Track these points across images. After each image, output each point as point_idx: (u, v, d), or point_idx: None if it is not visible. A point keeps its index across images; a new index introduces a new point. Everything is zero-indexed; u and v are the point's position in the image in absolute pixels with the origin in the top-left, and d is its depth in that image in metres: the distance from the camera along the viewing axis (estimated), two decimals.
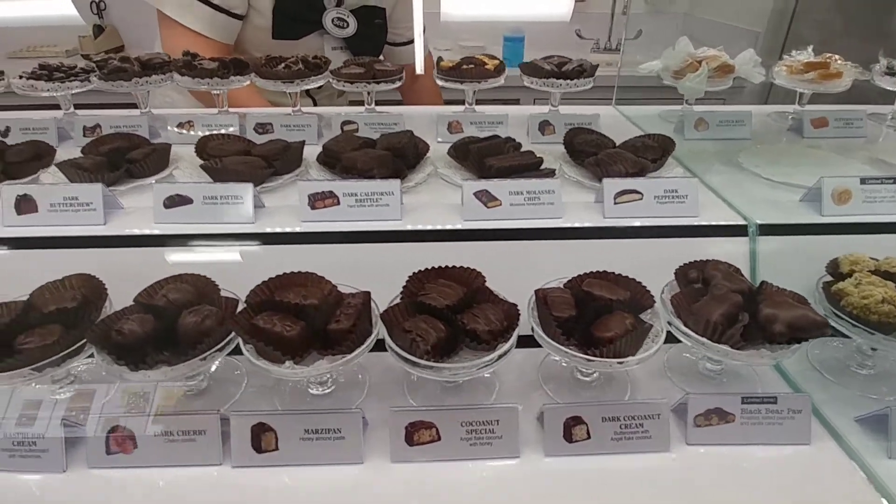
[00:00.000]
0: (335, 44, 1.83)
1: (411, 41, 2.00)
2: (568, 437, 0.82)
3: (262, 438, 0.80)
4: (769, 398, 0.84)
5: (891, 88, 1.56)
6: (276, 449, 0.80)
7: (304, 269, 0.94)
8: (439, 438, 0.81)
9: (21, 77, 1.43)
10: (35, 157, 1.22)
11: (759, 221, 1.06)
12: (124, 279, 0.92)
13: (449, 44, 3.70)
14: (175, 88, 1.84)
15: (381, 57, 1.87)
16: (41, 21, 3.68)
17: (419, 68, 1.98)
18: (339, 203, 1.05)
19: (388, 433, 0.81)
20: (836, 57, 1.56)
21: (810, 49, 1.58)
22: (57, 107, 1.52)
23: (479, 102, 1.58)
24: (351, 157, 1.13)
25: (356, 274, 0.94)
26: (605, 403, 0.82)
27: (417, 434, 0.81)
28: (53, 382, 0.89)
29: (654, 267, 0.98)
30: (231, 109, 1.55)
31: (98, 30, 3.66)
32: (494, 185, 1.06)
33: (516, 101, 2.90)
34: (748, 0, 3.29)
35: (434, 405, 0.83)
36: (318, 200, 1.04)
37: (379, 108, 1.59)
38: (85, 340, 0.83)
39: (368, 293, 0.88)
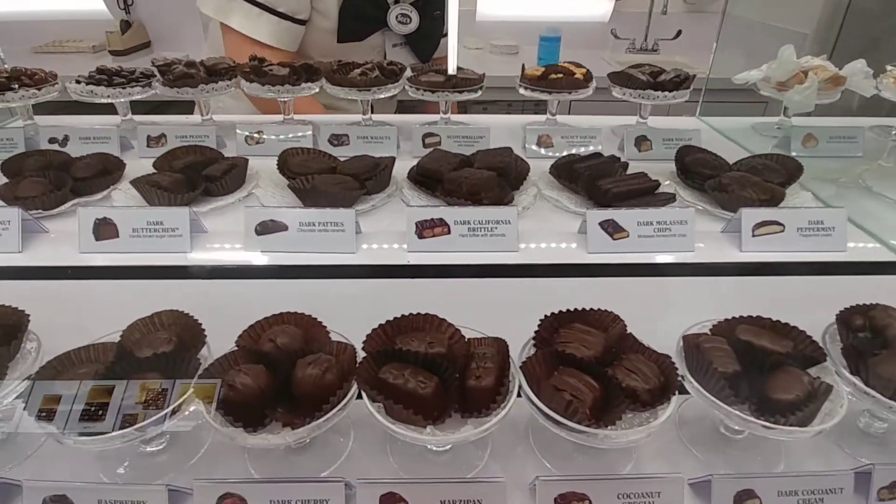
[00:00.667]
0: (396, 41, 1.74)
1: (445, 33, 1.89)
2: None
3: None
4: None
5: None
6: None
7: (411, 304, 0.85)
8: None
9: (79, 82, 1.34)
10: (104, 171, 1.13)
11: None
12: (213, 313, 0.83)
13: (480, 42, 3.60)
14: (230, 94, 1.75)
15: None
16: (67, 16, 3.63)
17: (451, 66, 1.88)
18: (449, 232, 0.94)
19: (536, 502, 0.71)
20: None
21: None
22: (105, 107, 1.42)
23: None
24: (455, 179, 1.03)
25: (469, 312, 0.84)
26: (784, 476, 0.72)
27: None
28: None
29: (799, 309, 0.88)
30: (296, 117, 1.46)
31: (125, 25, 3.59)
32: (621, 215, 0.95)
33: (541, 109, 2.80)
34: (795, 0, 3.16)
35: (578, 473, 0.73)
36: (427, 228, 0.94)
37: (454, 118, 1.48)
38: (187, 395, 0.74)
39: (504, 342, 0.78)
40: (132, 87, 1.36)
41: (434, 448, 0.82)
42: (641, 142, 1.35)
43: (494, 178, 1.05)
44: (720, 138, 1.52)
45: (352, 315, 0.81)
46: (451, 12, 1.83)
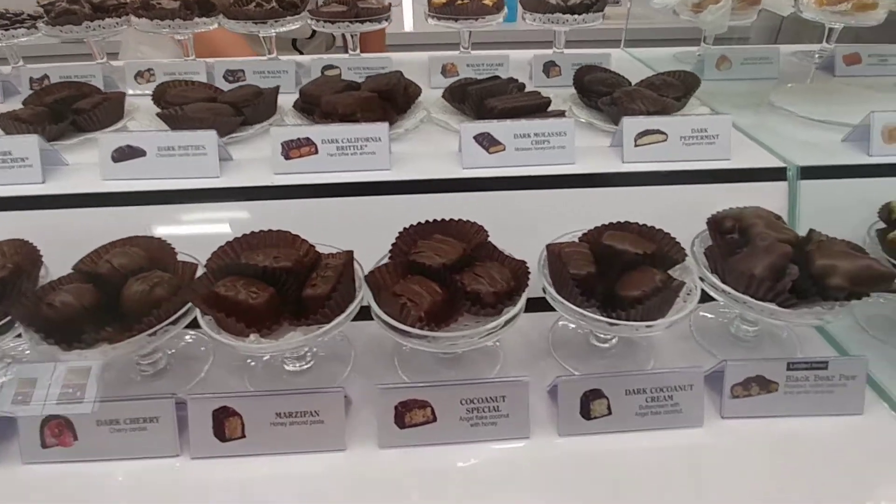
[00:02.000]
0: None
1: None
2: (586, 413, 0.70)
3: (225, 425, 0.68)
4: (819, 363, 0.72)
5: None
6: (243, 436, 0.68)
7: (278, 227, 0.80)
8: (435, 419, 0.69)
9: None
10: None
11: (799, 164, 0.93)
12: (67, 245, 0.78)
13: None
14: (150, 42, 1.67)
15: None
16: None
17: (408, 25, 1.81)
18: (317, 152, 0.90)
19: (376, 415, 0.69)
20: None
21: None
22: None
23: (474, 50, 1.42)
24: (331, 101, 0.98)
25: (339, 232, 0.81)
26: (630, 374, 0.70)
27: (409, 415, 0.69)
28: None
29: (681, 216, 0.84)
30: (210, 60, 1.39)
31: None
32: (497, 127, 0.91)
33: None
34: None
35: (429, 381, 0.70)
36: (294, 149, 0.90)
37: (365, 54, 1.43)
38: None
39: (351, 253, 0.75)
40: (16, 28, 1.29)
41: (290, 368, 0.79)
42: (550, 67, 1.31)
43: (374, 100, 1.00)
44: (640, 67, 1.47)
45: (217, 241, 0.77)
46: None
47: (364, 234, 0.79)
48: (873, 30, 1.43)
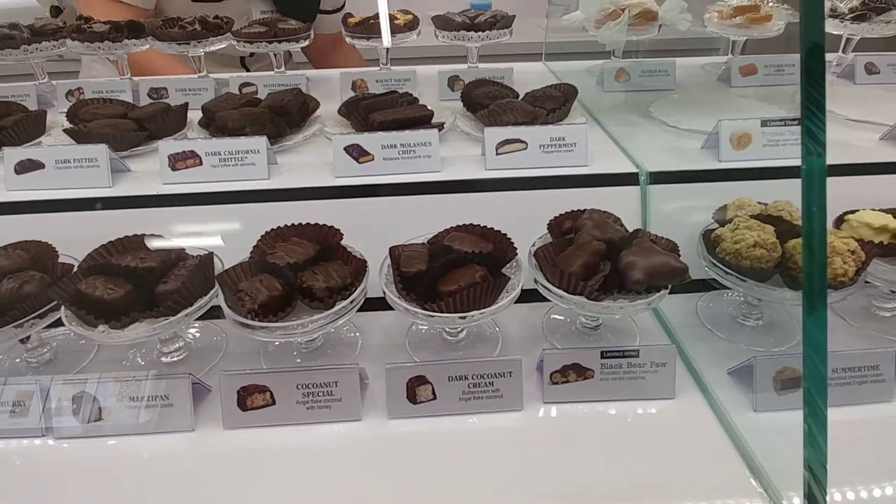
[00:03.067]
0: (264, 7, 1.74)
1: (341, 8, 1.90)
2: (412, 397, 0.77)
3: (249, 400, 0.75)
4: (631, 352, 0.78)
5: (835, 32, 1.47)
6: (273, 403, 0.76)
7: (165, 232, 0.89)
8: (273, 402, 0.76)
9: None
10: None
11: (649, 169, 1.00)
12: None
13: (415, 10, 3.59)
14: (102, 61, 1.77)
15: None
16: None
17: (385, 41, 1.90)
18: (201, 163, 0.99)
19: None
20: (770, 0, 1.47)
21: None
22: None
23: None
24: (223, 116, 1.07)
25: (216, 237, 0.88)
26: (450, 362, 0.77)
27: (251, 399, 0.76)
28: None
29: (537, 220, 0.92)
30: (140, 79, 1.48)
31: (56, 11, 3.57)
32: (366, 139, 0.99)
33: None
34: None
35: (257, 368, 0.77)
36: (179, 161, 0.98)
37: (290, 73, 1.51)
38: None
39: (211, 254, 0.83)
40: None
41: (165, 360, 0.87)
42: (454, 82, 1.39)
43: (265, 114, 1.08)
44: (553, 80, 1.55)
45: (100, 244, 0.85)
46: None
47: (242, 240, 0.87)
48: (782, 42, 1.50)
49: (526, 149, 1.01)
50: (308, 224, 0.88)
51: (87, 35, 1.34)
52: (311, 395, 0.77)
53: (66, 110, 1.30)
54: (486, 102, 1.16)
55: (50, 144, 1.05)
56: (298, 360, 0.87)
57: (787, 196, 0.94)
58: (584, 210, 0.90)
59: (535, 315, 0.95)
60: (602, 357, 0.78)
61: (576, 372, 0.79)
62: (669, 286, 0.77)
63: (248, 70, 1.89)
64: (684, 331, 0.91)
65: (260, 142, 0.99)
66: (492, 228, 0.88)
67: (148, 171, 1.04)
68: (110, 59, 1.42)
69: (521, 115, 1.07)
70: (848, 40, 1.51)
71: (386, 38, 1.39)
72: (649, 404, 0.80)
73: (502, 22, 1.39)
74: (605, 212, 0.90)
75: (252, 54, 1.82)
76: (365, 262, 0.82)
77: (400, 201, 0.99)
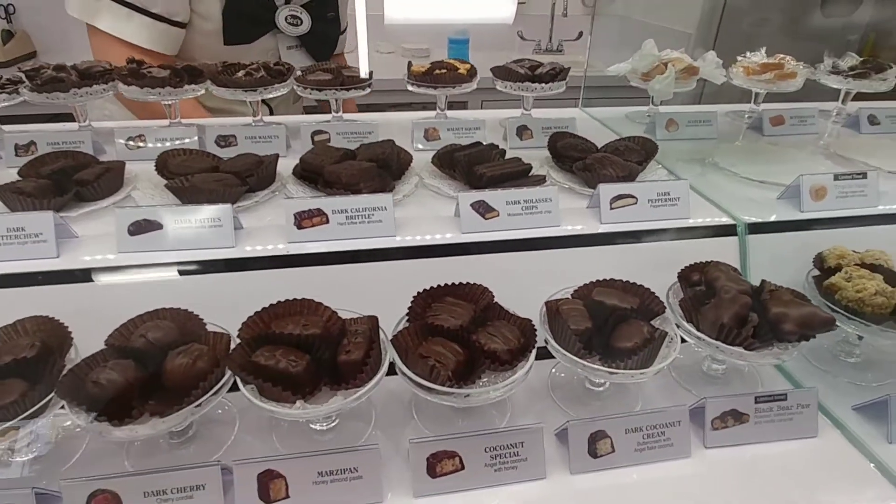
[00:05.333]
0: (290, 43, 1.73)
1: (345, 30, 1.93)
2: (593, 452, 0.80)
3: (270, 487, 0.72)
4: (779, 396, 0.85)
5: (836, 87, 1.66)
6: (287, 497, 0.73)
7: (293, 294, 0.86)
8: (463, 467, 0.77)
9: None
10: None
11: (746, 220, 1.09)
12: (87, 318, 0.81)
13: (391, 47, 3.64)
14: (112, 100, 1.69)
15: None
16: None
17: (364, 71, 1.92)
18: (328, 221, 0.98)
19: (410, 466, 0.76)
20: (788, 58, 1.64)
21: (763, 51, 1.65)
22: None
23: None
24: (334, 171, 1.06)
25: (350, 296, 0.88)
26: (629, 415, 0.81)
27: (440, 465, 0.76)
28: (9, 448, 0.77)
29: (652, 270, 0.97)
30: (184, 121, 1.43)
31: (7, 35, 3.33)
32: (491, 196, 1.02)
33: (464, 104, 2.90)
34: (679, 3, 3.42)
35: (452, 433, 0.78)
36: (306, 219, 0.97)
37: (346, 116, 1.51)
38: (49, 396, 0.72)
39: (375, 318, 0.82)
40: None
41: (317, 427, 0.84)
42: (523, 131, 1.44)
43: (373, 169, 1.09)
44: (598, 126, 1.64)
45: (234, 308, 0.82)
46: (360, 17, 1.85)
47: (375, 298, 0.87)
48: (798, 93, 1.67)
49: (636, 203, 1.07)
50: (460, 283, 0.89)
51: (148, 80, 1.29)
52: (498, 456, 0.77)
53: (129, 158, 1.24)
54: (576, 155, 1.22)
55: (162, 204, 1.00)
56: (462, 423, 0.87)
57: (867, 243, 1.06)
58: (709, 262, 0.97)
59: None
60: (756, 402, 0.85)
61: (733, 417, 0.85)
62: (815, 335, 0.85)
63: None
64: (797, 372, 0.99)
65: (386, 199, 0.99)
66: (630, 282, 0.93)
67: (260, 228, 1.01)
68: (164, 104, 1.36)
69: (620, 169, 1.14)
70: (847, 93, 1.70)
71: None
72: (795, 443, 0.86)
73: (562, 74, 1.47)
74: (726, 263, 0.97)
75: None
76: (530, 321, 0.85)
77: (526, 256, 1.02)
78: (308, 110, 2.08)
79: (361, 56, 2.00)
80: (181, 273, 0.93)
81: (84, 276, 0.91)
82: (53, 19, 3.33)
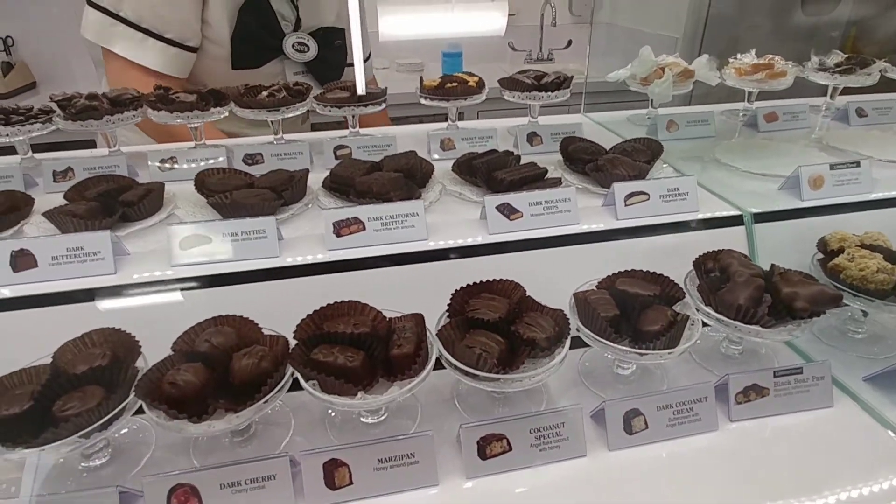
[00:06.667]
0: (296, 69, 1.80)
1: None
2: (628, 429, 0.86)
3: (335, 474, 0.78)
4: (796, 370, 0.92)
5: (824, 83, 1.75)
6: (351, 483, 0.78)
7: (336, 297, 0.93)
8: (510, 448, 0.83)
9: None
10: (12, 208, 1.13)
11: (752, 210, 1.16)
12: (147, 328, 0.87)
13: (386, 62, 3.73)
14: (131, 127, 1.75)
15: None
16: None
17: (360, 89, 2.00)
18: (364, 228, 1.04)
19: (462, 449, 0.81)
20: (777, 57, 1.73)
21: (753, 52, 1.74)
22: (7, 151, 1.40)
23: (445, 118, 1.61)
24: (365, 182, 1.13)
25: (390, 297, 0.94)
26: (660, 393, 0.87)
27: (489, 447, 0.82)
28: (86, 451, 0.83)
29: (667, 261, 1.04)
30: (208, 142, 1.50)
31: (6, 67, 3.39)
32: (515, 198, 1.09)
33: (461, 115, 2.99)
34: (664, 9, 3.53)
35: (492, 417, 0.84)
36: (344, 227, 1.03)
37: (363, 131, 1.59)
38: (128, 400, 0.78)
39: (421, 315, 0.88)
40: (31, 124, 1.35)
41: (369, 420, 0.90)
42: (532, 137, 1.52)
43: (401, 179, 1.16)
44: (601, 129, 1.72)
45: (283, 313, 0.88)
46: (355, 39, 1.93)
47: (413, 298, 0.93)
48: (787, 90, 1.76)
49: (649, 199, 1.14)
50: (493, 280, 0.96)
51: (177, 105, 1.36)
52: (542, 437, 0.84)
53: (164, 179, 1.30)
54: (587, 158, 1.29)
55: (207, 219, 1.06)
56: (501, 410, 0.93)
57: (865, 227, 1.13)
58: (721, 250, 1.04)
59: None
60: (775, 376, 0.91)
61: (755, 391, 0.91)
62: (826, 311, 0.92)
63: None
64: (808, 348, 1.06)
65: (418, 205, 1.06)
66: (650, 272, 1.00)
67: (298, 238, 1.08)
68: (191, 127, 1.43)
69: (631, 168, 1.21)
70: (834, 88, 1.80)
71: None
72: (812, 414, 0.93)
73: (566, 82, 1.55)
74: (737, 251, 1.05)
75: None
76: (562, 311, 0.91)
77: (549, 253, 1.09)
78: (315, 128, 2.15)
79: (358, 76, 2.08)
80: (231, 283, 0.99)
81: (140, 290, 0.97)
82: (52, 50, 3.40)
